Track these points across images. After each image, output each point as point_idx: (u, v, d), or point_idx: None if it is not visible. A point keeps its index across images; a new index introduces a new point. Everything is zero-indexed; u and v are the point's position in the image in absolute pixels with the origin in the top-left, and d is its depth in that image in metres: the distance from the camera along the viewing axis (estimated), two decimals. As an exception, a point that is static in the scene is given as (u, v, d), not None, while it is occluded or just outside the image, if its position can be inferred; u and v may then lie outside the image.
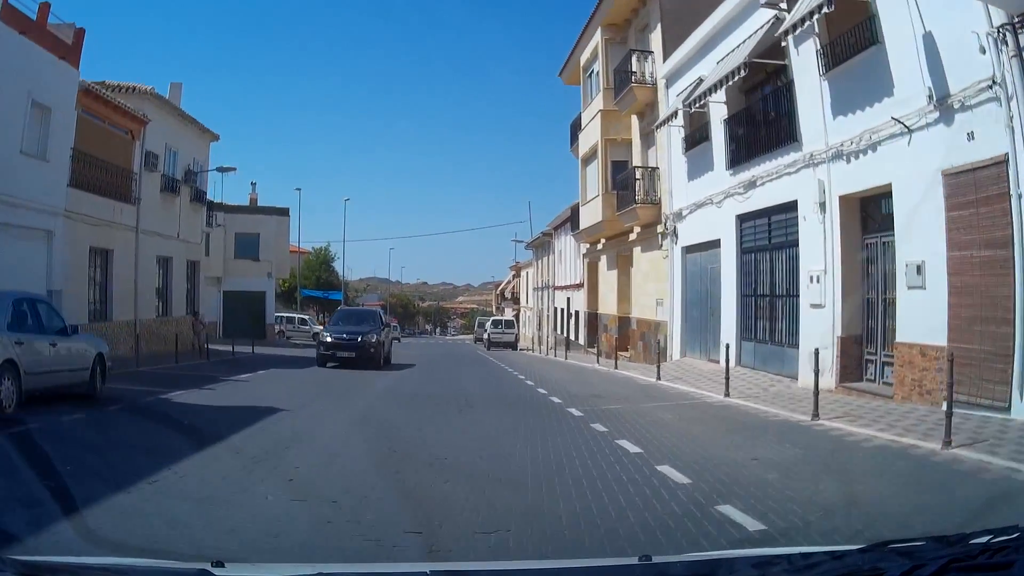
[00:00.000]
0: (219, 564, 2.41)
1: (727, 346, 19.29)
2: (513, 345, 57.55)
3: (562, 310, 52.71)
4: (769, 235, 20.60)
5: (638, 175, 29.65)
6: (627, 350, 33.71)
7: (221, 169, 38.44)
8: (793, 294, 19.09)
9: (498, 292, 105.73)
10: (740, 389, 18.05)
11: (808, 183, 18.06)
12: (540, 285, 64.21)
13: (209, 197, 50.33)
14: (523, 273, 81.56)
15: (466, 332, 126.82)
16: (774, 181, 19.78)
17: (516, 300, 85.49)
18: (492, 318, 64.72)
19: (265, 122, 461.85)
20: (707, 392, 18.30)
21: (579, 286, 45.23)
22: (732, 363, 20.23)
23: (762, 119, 20.75)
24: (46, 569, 2.27)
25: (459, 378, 25.58)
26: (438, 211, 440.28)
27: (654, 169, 29.34)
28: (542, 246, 62.53)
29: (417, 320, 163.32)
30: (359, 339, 27.51)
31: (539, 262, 65.32)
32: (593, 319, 40.24)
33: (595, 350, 36.88)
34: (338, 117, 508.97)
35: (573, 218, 42.12)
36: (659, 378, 21.74)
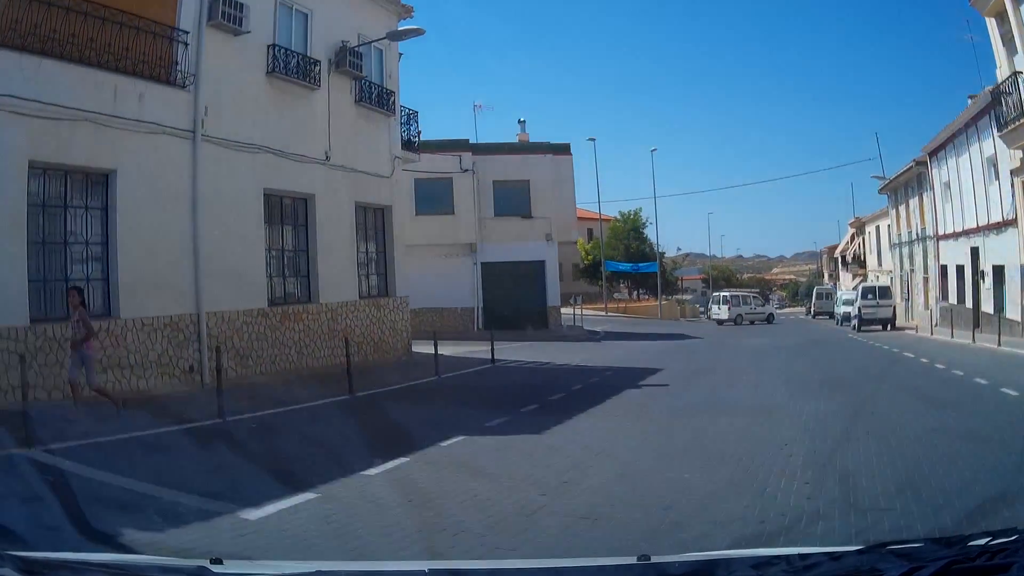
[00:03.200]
0: (217, 561, 2.37)
1: None
2: (890, 322, 38.67)
3: (958, 268, 33.40)
4: None
5: None
6: None
7: (395, 35, 20.84)
8: None
9: (835, 255, 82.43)
10: None
11: None
12: (906, 238, 43.57)
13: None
14: (868, 229, 61.23)
15: (795, 305, 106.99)
16: None
17: (861, 263, 64.80)
18: (862, 286, 43.90)
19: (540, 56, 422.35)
20: None
21: (1003, 225, 25.11)
22: None
23: None
24: (46, 565, 2.27)
25: None
26: (754, 165, 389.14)
27: None
28: (906, 185, 43.08)
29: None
30: None
31: (900, 209, 45.84)
32: None
33: None
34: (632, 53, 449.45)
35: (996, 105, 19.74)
36: None
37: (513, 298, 36.70)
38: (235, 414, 11.95)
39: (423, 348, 22.70)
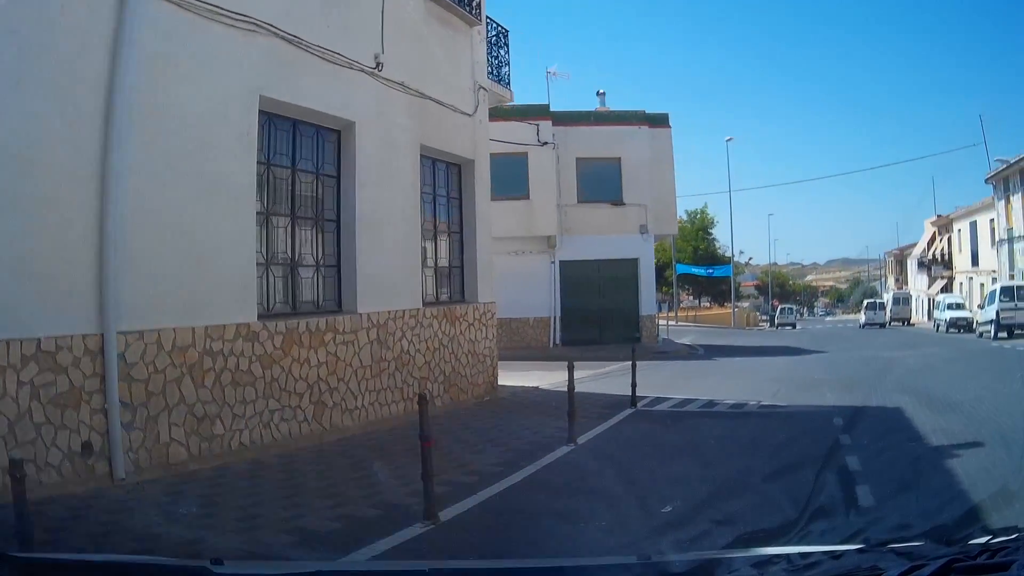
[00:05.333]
0: (218, 561, 2.34)
1: None
2: None
3: None
4: None
5: None
6: None
7: None
8: None
9: (906, 258, 75.67)
10: None
11: None
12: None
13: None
14: (957, 227, 55.53)
15: (851, 311, 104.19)
16: None
17: (946, 265, 58.65)
18: (1000, 285, 34.69)
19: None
20: None
21: None
22: None
23: None
24: (48, 566, 2.27)
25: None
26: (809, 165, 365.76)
27: None
28: None
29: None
30: None
31: (1015, 199, 39.46)
32: None
33: None
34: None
35: None
36: None
37: (599, 306, 28.98)
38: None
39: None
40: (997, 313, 31.17)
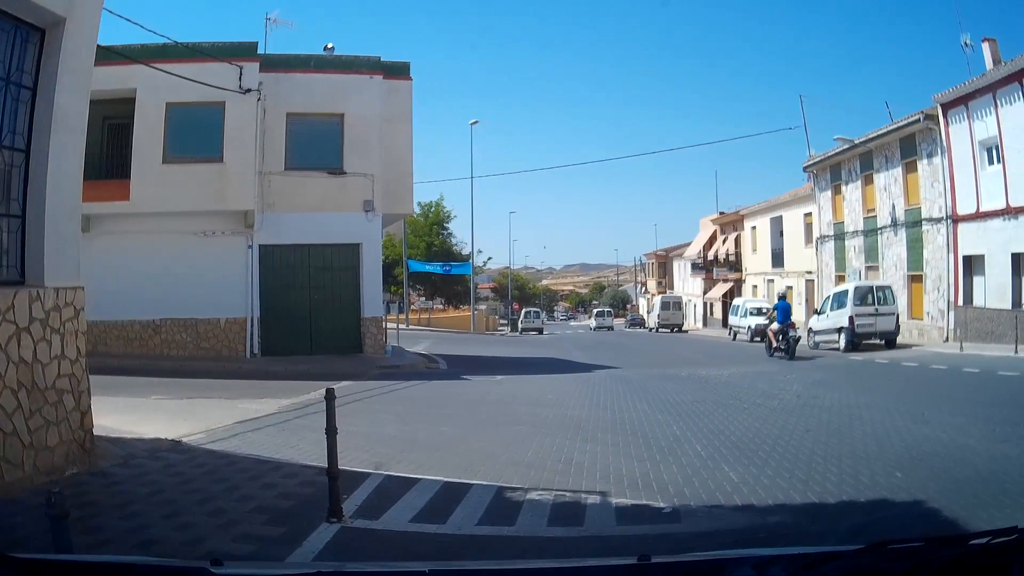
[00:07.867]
0: (217, 563, 2.35)
1: None
2: (892, 337, 27.93)
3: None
4: None
5: None
6: None
7: None
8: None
9: (684, 259, 73.16)
10: None
11: None
12: (858, 227, 35.90)
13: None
14: (752, 223, 53.07)
15: (587, 317, 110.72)
16: None
17: (733, 266, 56.14)
18: (854, 286, 29.63)
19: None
20: None
21: None
22: None
23: None
24: (48, 565, 2.28)
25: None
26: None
27: None
28: (878, 153, 33.87)
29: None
30: None
31: (848, 189, 37.13)
32: None
33: None
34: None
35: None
36: None
37: (311, 304, 23.67)
38: None
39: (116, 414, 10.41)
40: (851, 320, 27.38)
